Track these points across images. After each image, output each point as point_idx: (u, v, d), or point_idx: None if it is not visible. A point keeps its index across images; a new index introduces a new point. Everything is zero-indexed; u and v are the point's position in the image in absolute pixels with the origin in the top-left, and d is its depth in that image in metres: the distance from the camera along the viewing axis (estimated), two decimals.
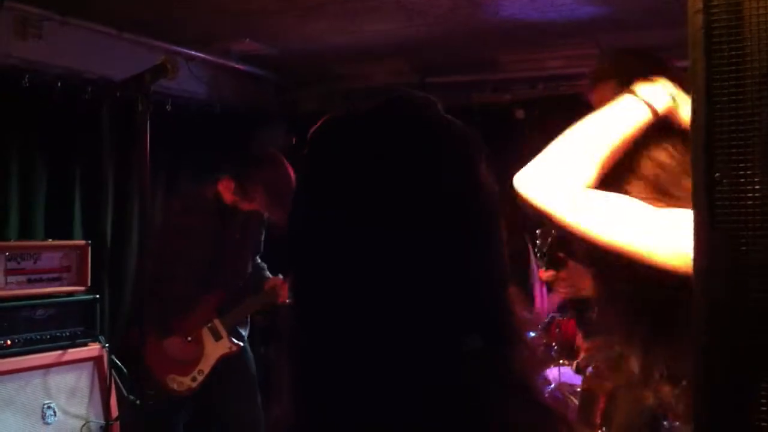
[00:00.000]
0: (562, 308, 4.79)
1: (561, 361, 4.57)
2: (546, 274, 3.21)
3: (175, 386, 4.34)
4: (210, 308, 4.44)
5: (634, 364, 1.84)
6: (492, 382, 0.94)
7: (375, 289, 0.93)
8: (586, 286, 3.14)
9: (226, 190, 4.38)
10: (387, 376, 0.92)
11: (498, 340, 0.96)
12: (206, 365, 4.41)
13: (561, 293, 3.21)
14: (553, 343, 4.71)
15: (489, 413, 0.92)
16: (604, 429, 3.08)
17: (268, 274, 4.75)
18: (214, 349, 4.44)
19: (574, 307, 3.38)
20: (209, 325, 4.43)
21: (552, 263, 3.13)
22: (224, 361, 4.46)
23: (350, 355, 0.94)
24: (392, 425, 0.91)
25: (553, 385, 4.52)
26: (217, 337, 4.44)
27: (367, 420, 0.92)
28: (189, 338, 4.38)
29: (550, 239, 3.15)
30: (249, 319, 4.73)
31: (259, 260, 4.79)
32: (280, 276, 4.60)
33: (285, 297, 4.51)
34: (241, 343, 4.54)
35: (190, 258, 4.33)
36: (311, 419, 0.96)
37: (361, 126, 1.01)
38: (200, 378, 4.38)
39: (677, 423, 3.34)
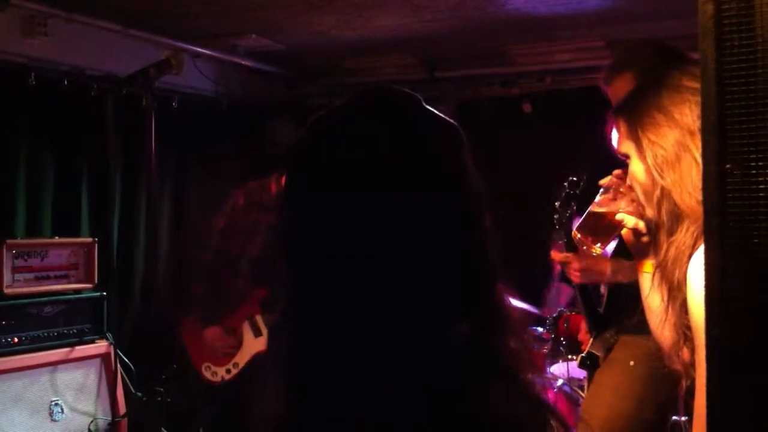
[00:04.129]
0: (570, 303, 4.77)
1: (569, 357, 4.56)
2: (559, 256, 3.16)
3: (209, 375, 4.33)
4: (254, 303, 4.40)
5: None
6: (479, 370, 0.94)
7: (360, 280, 0.95)
8: (602, 272, 3.11)
9: (281, 185, 4.35)
10: (376, 363, 0.93)
11: (484, 330, 0.96)
12: (242, 359, 4.36)
13: (573, 277, 3.16)
14: (562, 338, 4.70)
15: (475, 401, 0.92)
16: None
17: None
18: (253, 344, 4.38)
19: (581, 296, 3.34)
20: (251, 319, 4.39)
21: (570, 245, 3.09)
22: (261, 359, 4.43)
23: (339, 346, 0.95)
24: (380, 412, 0.92)
25: (561, 380, 4.51)
26: (257, 333, 4.38)
27: (356, 412, 0.93)
28: (230, 330, 4.36)
29: (569, 213, 3.11)
30: None
31: None
32: None
33: None
34: None
35: (250, 255, 4.31)
36: (303, 413, 0.96)
37: (347, 123, 1.02)
38: (234, 371, 4.36)
39: (684, 418, 3.32)
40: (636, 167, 1.83)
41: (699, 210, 1.65)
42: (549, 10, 4.64)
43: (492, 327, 0.98)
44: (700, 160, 1.65)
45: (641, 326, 2.48)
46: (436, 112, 1.04)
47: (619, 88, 3.10)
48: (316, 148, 1.02)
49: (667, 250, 1.75)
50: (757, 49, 0.96)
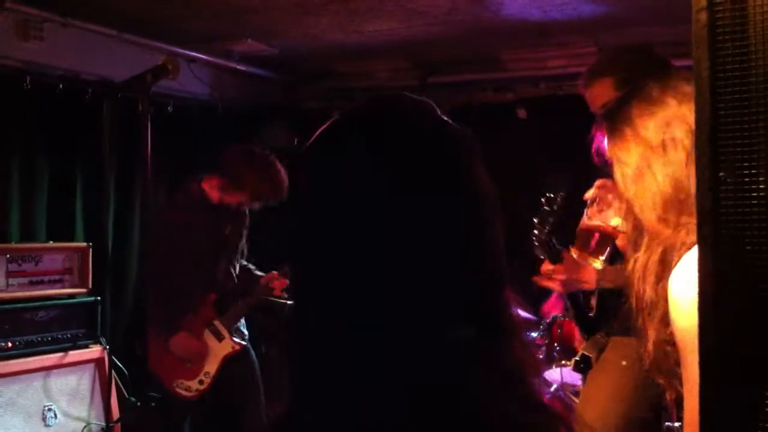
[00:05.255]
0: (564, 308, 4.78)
1: (563, 362, 4.56)
2: (546, 268, 3.19)
3: (183, 392, 4.32)
4: (209, 308, 4.42)
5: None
6: (483, 373, 0.94)
7: (371, 283, 0.94)
8: (586, 279, 3.12)
9: (212, 187, 4.41)
10: (382, 368, 0.93)
11: (491, 333, 0.96)
12: (212, 367, 4.39)
13: (557, 288, 3.18)
14: (555, 344, 4.70)
15: (481, 408, 0.92)
16: None
17: (258, 273, 4.74)
18: (218, 349, 4.41)
19: (570, 302, 3.36)
20: (210, 326, 4.41)
21: (551, 256, 3.12)
22: (230, 362, 4.46)
23: (344, 349, 0.95)
24: (382, 413, 0.91)
25: (555, 386, 4.51)
26: (220, 338, 4.41)
27: (361, 415, 0.92)
28: (192, 338, 4.36)
29: (548, 229, 3.13)
30: (246, 320, 4.72)
31: (245, 262, 4.79)
32: (274, 272, 4.61)
33: (279, 290, 4.54)
34: (244, 342, 4.52)
35: (188, 254, 4.33)
36: (310, 416, 0.96)
37: (358, 127, 1.02)
38: (207, 380, 4.36)
39: (677, 424, 3.33)
40: (616, 175, 1.84)
41: (659, 227, 1.65)
42: (544, 16, 4.64)
43: (498, 331, 0.98)
44: (659, 176, 1.66)
45: (631, 330, 2.49)
46: (447, 119, 1.04)
47: (597, 93, 3.12)
48: (326, 151, 1.02)
49: (634, 267, 1.74)
50: (750, 57, 0.97)
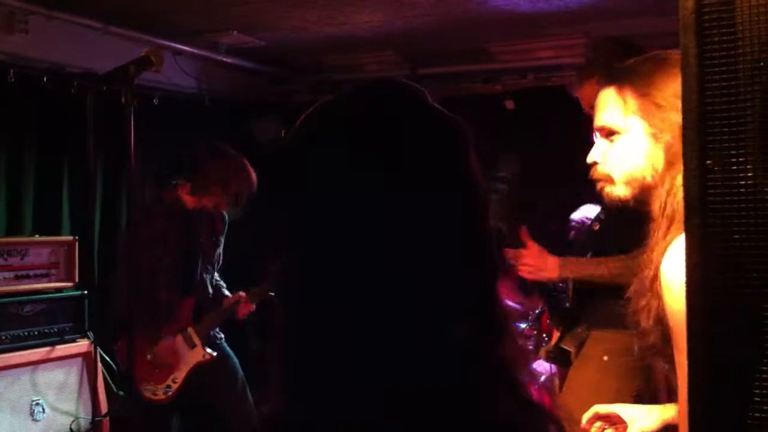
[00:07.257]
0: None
1: None
2: (510, 252, 3.20)
3: (150, 395, 4.28)
4: (186, 313, 4.41)
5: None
6: (477, 371, 0.93)
7: (360, 279, 0.92)
8: (548, 268, 3.13)
9: (186, 193, 4.39)
10: (377, 365, 0.91)
11: (484, 332, 0.95)
12: (180, 373, 4.34)
13: (524, 275, 3.19)
14: (544, 335, 4.70)
15: (474, 406, 0.91)
16: None
17: (226, 291, 4.74)
18: (189, 356, 4.37)
19: (544, 293, 3.37)
20: (183, 332, 4.39)
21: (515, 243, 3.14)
22: (209, 368, 4.43)
23: (338, 346, 0.93)
24: (377, 413, 0.90)
25: (544, 376, 4.51)
26: (192, 345, 4.38)
27: (354, 413, 0.91)
28: (168, 344, 4.35)
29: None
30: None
31: (218, 277, 4.78)
32: (242, 293, 4.60)
33: (243, 314, 4.55)
34: (215, 353, 4.47)
35: (166, 265, 4.30)
36: (302, 413, 0.95)
37: (347, 113, 0.99)
38: (174, 386, 4.32)
39: None
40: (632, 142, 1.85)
41: None
42: (532, 7, 4.64)
43: (491, 328, 0.96)
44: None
45: (611, 319, 2.49)
46: (440, 108, 1.00)
47: (586, 95, 3.12)
48: (316, 142, 0.98)
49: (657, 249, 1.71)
50: (738, 44, 0.96)
